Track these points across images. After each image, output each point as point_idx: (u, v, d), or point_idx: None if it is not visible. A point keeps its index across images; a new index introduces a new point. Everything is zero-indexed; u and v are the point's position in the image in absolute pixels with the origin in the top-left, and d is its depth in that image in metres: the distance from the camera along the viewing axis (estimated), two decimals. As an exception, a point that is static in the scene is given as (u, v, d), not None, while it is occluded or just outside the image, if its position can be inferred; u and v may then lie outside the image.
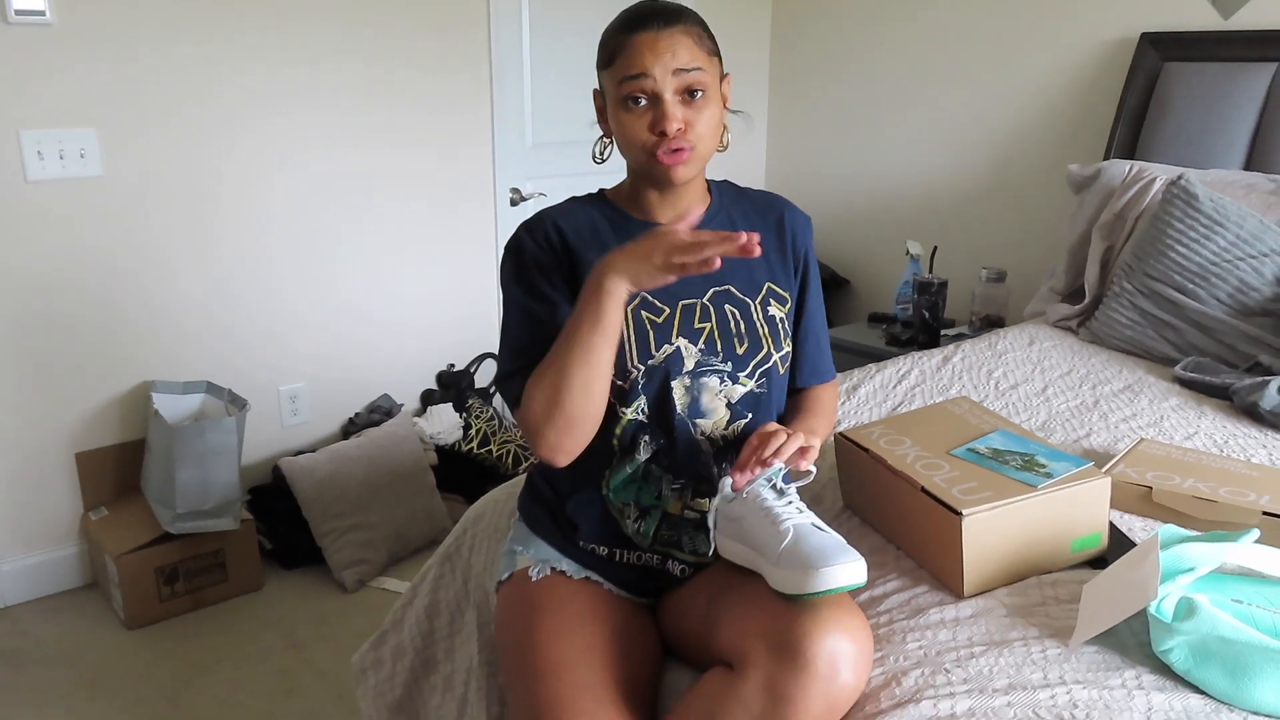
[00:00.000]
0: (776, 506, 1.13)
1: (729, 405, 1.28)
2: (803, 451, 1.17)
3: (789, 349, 1.33)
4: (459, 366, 3.17)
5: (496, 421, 3.07)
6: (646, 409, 1.26)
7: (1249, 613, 1.10)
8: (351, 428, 2.93)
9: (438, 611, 1.48)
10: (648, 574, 1.30)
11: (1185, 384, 2.02)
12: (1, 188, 2.30)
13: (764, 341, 1.29)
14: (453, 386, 3.11)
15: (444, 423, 2.97)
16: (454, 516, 2.89)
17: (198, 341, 2.65)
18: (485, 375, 3.24)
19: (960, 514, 1.18)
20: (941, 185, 3.31)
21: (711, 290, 1.29)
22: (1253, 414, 1.83)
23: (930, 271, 3.00)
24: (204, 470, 2.38)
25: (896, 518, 1.33)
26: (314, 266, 2.81)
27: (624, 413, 1.26)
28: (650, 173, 1.25)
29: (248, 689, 2.17)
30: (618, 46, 1.22)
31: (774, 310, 1.32)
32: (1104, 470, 1.41)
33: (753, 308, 1.31)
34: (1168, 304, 2.21)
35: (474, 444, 2.97)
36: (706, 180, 1.37)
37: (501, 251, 3.24)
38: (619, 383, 1.25)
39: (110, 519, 2.51)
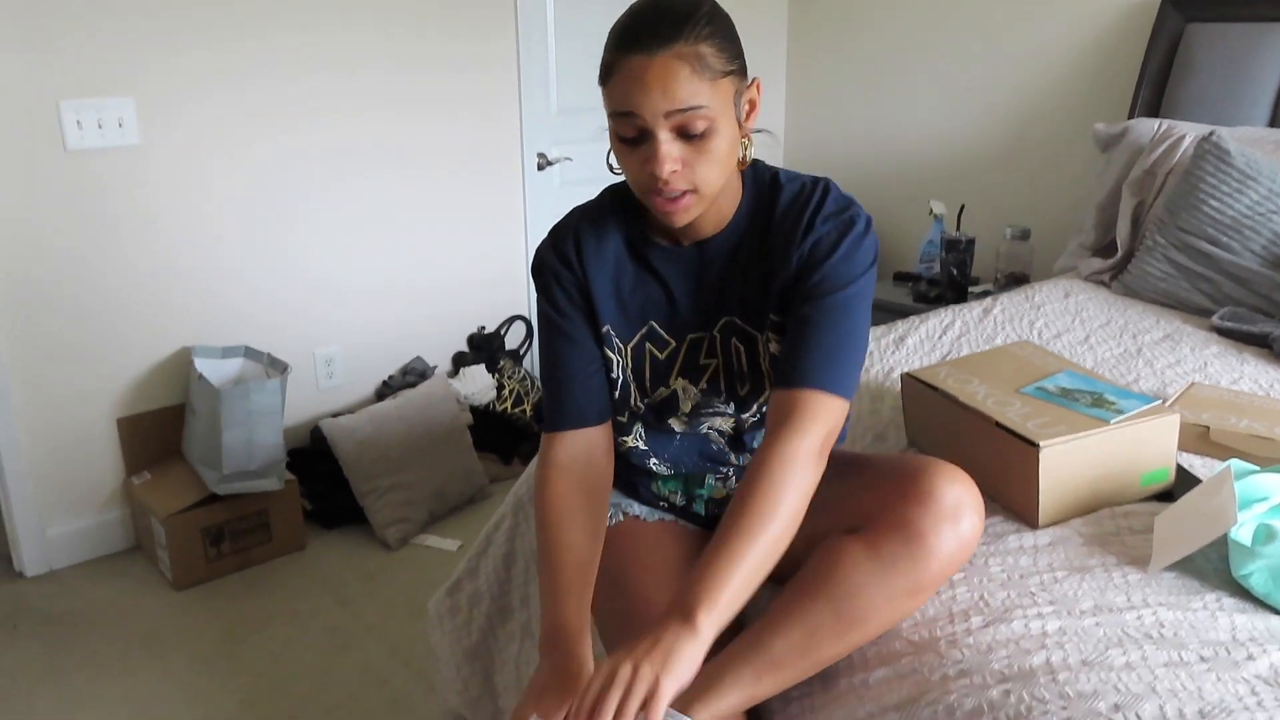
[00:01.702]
0: None
1: (735, 426, 1.26)
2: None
3: None
4: (489, 329, 3.19)
5: (529, 382, 3.10)
6: (644, 434, 1.28)
7: (1324, 536, 1.13)
8: (386, 390, 2.96)
9: (514, 560, 1.51)
10: (715, 518, 1.33)
11: (1223, 333, 2.05)
12: (41, 157, 2.31)
13: (767, 381, 1.20)
14: (484, 348, 3.14)
15: (477, 384, 3.00)
16: (490, 475, 2.92)
17: (233, 307, 2.67)
18: (515, 337, 3.27)
19: (1038, 445, 1.22)
20: (963, 145, 3.33)
21: (722, 321, 1.19)
22: (1294, 360, 1.87)
23: (957, 230, 3.03)
24: (249, 432, 2.41)
25: (967, 453, 1.36)
26: (347, 230, 2.83)
27: (624, 441, 1.28)
28: (652, 211, 1.14)
29: (301, 645, 2.21)
30: (610, 66, 1.06)
31: (776, 347, 1.18)
32: (1163, 409, 1.44)
33: (759, 343, 1.19)
34: (1201, 257, 2.24)
35: (508, 404, 3.00)
36: (745, 174, 1.19)
37: (528, 214, 3.13)
38: (618, 418, 1.26)
39: (153, 483, 2.54)
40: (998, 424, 1.28)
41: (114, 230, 2.44)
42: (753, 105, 1.13)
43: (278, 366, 2.57)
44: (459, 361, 3.11)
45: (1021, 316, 2.14)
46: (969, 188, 3.31)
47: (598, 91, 1.10)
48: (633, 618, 1.19)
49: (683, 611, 0.96)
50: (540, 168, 3.18)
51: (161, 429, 2.62)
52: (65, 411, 2.47)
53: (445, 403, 2.84)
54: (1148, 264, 2.33)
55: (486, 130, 3.05)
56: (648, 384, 1.20)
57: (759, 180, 1.19)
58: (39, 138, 2.29)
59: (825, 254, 1.12)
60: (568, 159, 3.21)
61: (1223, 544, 1.16)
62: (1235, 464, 1.23)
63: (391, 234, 2.92)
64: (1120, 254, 2.47)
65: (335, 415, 2.81)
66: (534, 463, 1.60)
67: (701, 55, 1.03)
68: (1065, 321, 2.12)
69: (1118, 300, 2.31)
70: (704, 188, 1.08)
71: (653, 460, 1.29)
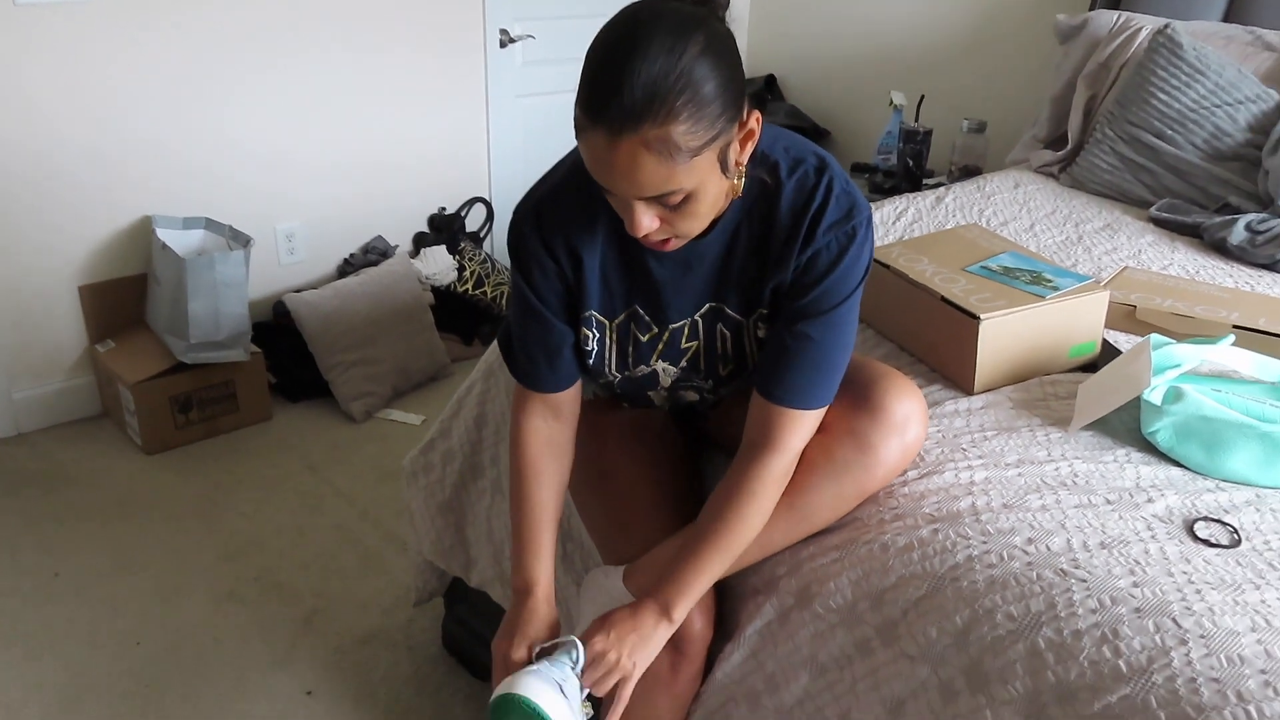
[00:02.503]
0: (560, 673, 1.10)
1: (714, 391, 1.28)
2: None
3: None
4: (450, 210, 3.21)
5: (489, 264, 3.14)
6: (621, 396, 1.33)
7: (1226, 399, 1.25)
8: (347, 268, 2.98)
9: (485, 422, 1.59)
10: (677, 410, 1.39)
11: (1159, 223, 2.16)
12: (-9, 10, 2.25)
13: (749, 361, 1.21)
14: (444, 229, 3.16)
15: (438, 264, 3.03)
16: (451, 355, 2.99)
17: (192, 177, 2.65)
18: (475, 219, 3.28)
19: (978, 318, 1.31)
20: (925, 36, 3.35)
21: (706, 306, 1.17)
22: (1220, 249, 1.99)
23: (916, 121, 3.08)
24: (215, 302, 2.43)
25: (913, 326, 1.46)
26: (306, 104, 2.79)
27: (598, 392, 1.37)
28: None
29: (273, 507, 2.30)
30: (578, 125, 0.95)
31: (764, 333, 1.18)
32: (1095, 289, 1.54)
33: (745, 328, 1.18)
34: (1146, 150, 2.33)
35: (469, 285, 3.05)
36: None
37: (490, 93, 2.94)
38: (594, 380, 1.28)
39: (118, 351, 2.56)
40: (943, 298, 1.37)
41: (69, 92, 2.40)
42: (750, 136, 1.01)
43: (240, 239, 2.58)
44: (419, 242, 3.13)
45: (972, 205, 2.22)
46: (930, 79, 3.34)
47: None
48: (597, 491, 1.33)
49: (661, 605, 1.11)
50: (503, 45, 3.15)
51: (123, 298, 2.63)
52: (25, 276, 2.46)
53: (407, 281, 2.88)
54: (1095, 156, 2.42)
55: (448, 6, 2.99)
56: (629, 361, 1.21)
57: (756, 171, 1.09)
58: (-13, -7, 2.23)
59: (824, 271, 1.08)
60: (531, 37, 3.18)
61: (1135, 406, 1.28)
62: (1154, 337, 1.34)
63: (351, 109, 2.89)
64: (1070, 146, 2.55)
65: (298, 291, 2.83)
66: (496, 344, 1.67)
67: (672, 140, 0.90)
68: (1013, 210, 2.21)
69: (1064, 191, 2.40)
70: (689, 234, 1.04)
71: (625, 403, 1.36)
